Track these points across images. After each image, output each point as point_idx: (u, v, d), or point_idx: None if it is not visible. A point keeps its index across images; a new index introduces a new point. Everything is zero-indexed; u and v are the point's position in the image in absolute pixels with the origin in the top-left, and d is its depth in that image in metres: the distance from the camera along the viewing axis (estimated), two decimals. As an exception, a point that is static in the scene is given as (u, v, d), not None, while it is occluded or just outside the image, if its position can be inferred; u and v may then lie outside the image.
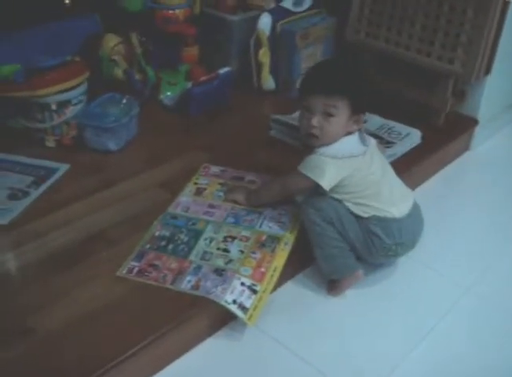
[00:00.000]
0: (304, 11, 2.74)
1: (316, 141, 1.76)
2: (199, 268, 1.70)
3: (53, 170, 2.12)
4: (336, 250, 1.78)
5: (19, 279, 1.73)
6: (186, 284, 1.65)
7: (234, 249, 1.78)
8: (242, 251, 1.78)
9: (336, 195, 1.76)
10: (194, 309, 1.61)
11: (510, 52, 2.47)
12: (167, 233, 1.84)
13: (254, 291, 1.67)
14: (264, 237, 1.84)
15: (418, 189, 2.29)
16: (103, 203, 1.98)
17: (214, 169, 2.16)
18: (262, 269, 1.73)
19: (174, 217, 1.91)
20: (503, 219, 2.24)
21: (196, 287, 1.64)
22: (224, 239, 1.82)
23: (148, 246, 1.78)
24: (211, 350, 1.66)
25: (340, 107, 1.71)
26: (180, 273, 1.68)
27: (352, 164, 1.73)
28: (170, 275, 1.68)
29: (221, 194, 2.02)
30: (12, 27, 2.28)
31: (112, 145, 2.22)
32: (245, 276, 1.69)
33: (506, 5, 2.25)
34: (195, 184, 2.08)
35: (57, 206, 1.95)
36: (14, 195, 1.99)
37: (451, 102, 2.48)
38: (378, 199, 1.76)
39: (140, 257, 1.74)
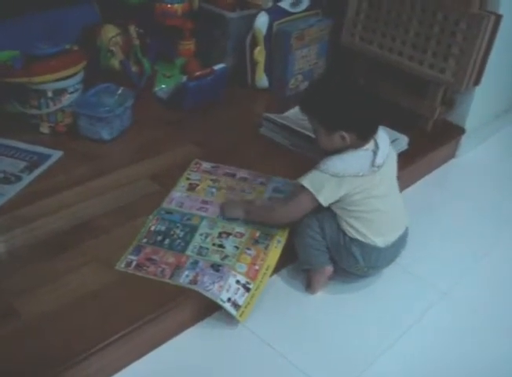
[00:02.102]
0: (301, 12, 2.76)
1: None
2: (195, 262, 1.74)
3: (46, 157, 2.16)
4: (313, 241, 1.82)
5: (7, 263, 1.75)
6: (184, 279, 1.69)
7: (229, 245, 1.82)
8: (237, 247, 1.82)
9: (333, 208, 1.77)
10: (179, 298, 1.66)
11: (499, 64, 2.52)
12: (163, 228, 1.87)
13: (248, 289, 1.72)
14: (257, 234, 1.88)
15: (402, 194, 2.29)
16: (94, 192, 2.01)
17: (206, 165, 2.19)
18: (256, 267, 1.78)
19: (169, 212, 1.94)
20: (484, 226, 2.29)
21: (194, 281, 1.68)
22: (220, 235, 1.85)
23: (144, 240, 1.82)
24: (192, 340, 1.71)
25: (315, 124, 1.79)
26: (177, 268, 1.72)
27: (354, 183, 1.71)
28: (168, 269, 1.71)
29: (214, 190, 2.06)
30: (12, 14, 2.30)
31: (105, 135, 2.25)
32: (240, 274, 1.74)
33: (498, 18, 2.29)
34: (188, 179, 2.11)
35: (49, 193, 1.98)
36: (7, 179, 2.03)
37: (440, 110, 2.53)
38: (370, 227, 1.78)
39: (137, 251, 1.77)
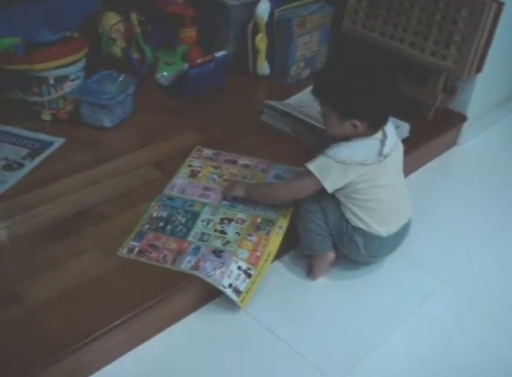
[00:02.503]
0: (302, -1, 2.76)
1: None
2: (197, 248, 1.75)
3: (48, 144, 2.16)
4: (315, 227, 1.83)
5: (9, 248, 1.77)
6: (186, 264, 1.70)
7: (230, 231, 1.83)
8: (238, 233, 1.82)
9: (337, 195, 1.77)
10: (180, 284, 1.67)
11: (501, 51, 2.51)
12: (165, 214, 1.87)
13: (249, 275, 1.73)
14: (259, 220, 1.88)
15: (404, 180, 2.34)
16: (95, 179, 2.02)
17: (207, 152, 2.20)
18: (257, 253, 1.79)
19: (171, 198, 1.95)
20: (486, 212, 2.29)
21: (196, 267, 1.69)
22: (221, 222, 1.86)
23: (146, 226, 1.82)
24: (193, 326, 1.72)
25: (327, 110, 1.75)
26: (179, 253, 1.73)
27: (360, 171, 1.71)
28: (169, 255, 1.72)
29: (215, 177, 2.06)
30: (13, 1, 2.30)
31: (107, 122, 2.26)
32: (242, 260, 1.75)
33: (500, 6, 2.29)
34: (189, 166, 2.11)
35: (51, 180, 1.99)
36: (9, 166, 2.04)
37: (442, 97, 2.53)
38: (373, 216, 1.78)
39: (139, 237, 1.78)
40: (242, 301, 1.69)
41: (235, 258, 1.74)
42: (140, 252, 1.73)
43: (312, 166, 1.73)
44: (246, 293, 1.71)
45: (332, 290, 1.88)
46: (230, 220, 1.87)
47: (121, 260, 1.71)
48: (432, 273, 1.98)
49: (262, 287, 1.77)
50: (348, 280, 1.92)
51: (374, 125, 1.72)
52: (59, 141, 2.18)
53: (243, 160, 2.17)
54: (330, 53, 2.88)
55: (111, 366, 1.59)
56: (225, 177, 2.06)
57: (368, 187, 1.74)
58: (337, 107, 1.71)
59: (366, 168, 1.71)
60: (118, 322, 1.53)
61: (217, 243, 1.78)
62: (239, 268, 1.73)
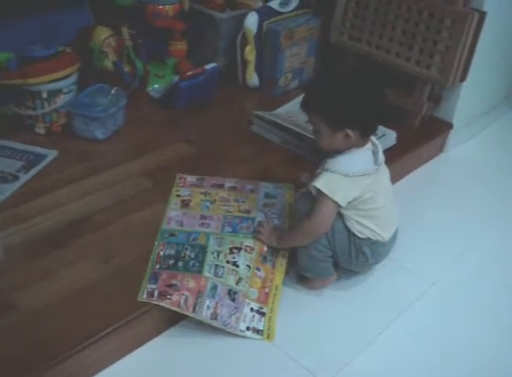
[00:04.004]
0: (290, 11, 2.81)
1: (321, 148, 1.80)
2: (215, 288, 1.73)
3: (42, 156, 2.20)
4: (318, 254, 1.84)
5: (5, 258, 1.79)
6: (206, 312, 1.68)
7: (241, 263, 1.82)
8: (249, 266, 1.82)
9: (344, 211, 1.78)
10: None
11: (485, 61, 2.57)
12: (172, 251, 1.82)
13: (263, 314, 1.77)
14: (265, 248, 1.89)
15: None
16: (89, 189, 2.06)
17: (190, 179, 2.17)
18: (266, 290, 1.82)
19: (172, 234, 1.89)
20: (472, 218, 2.34)
21: (214, 316, 1.68)
22: (231, 251, 1.84)
23: (157, 266, 1.77)
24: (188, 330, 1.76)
25: (318, 123, 1.73)
26: (199, 296, 1.70)
27: (364, 182, 1.72)
28: (190, 297, 1.68)
29: (208, 204, 2.04)
30: (6, 16, 2.35)
31: (100, 134, 2.30)
32: (253, 300, 1.77)
33: (482, 15, 2.35)
34: (178, 196, 2.08)
35: (45, 191, 2.03)
36: (4, 179, 2.08)
37: (427, 106, 2.58)
38: (378, 222, 1.82)
39: (154, 279, 1.72)
40: (268, 337, 1.74)
41: (247, 300, 1.76)
42: (161, 295, 1.67)
43: (319, 184, 1.71)
44: (268, 329, 1.75)
45: (323, 297, 1.93)
46: (239, 249, 1.85)
47: (114, 269, 1.75)
48: (421, 277, 2.02)
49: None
50: (339, 287, 1.96)
51: (366, 132, 1.73)
52: (53, 154, 2.22)
53: (229, 182, 2.16)
54: (316, 66, 2.93)
55: (109, 369, 1.63)
56: (218, 203, 2.05)
57: (373, 196, 1.77)
58: (328, 117, 1.70)
59: (368, 178, 1.73)
60: (113, 327, 1.57)
61: (231, 281, 1.77)
62: (252, 309, 1.75)
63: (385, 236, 1.85)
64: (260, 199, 2.09)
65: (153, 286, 1.69)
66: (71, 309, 1.62)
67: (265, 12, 2.72)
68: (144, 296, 1.66)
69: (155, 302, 1.65)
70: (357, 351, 1.74)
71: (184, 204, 2.04)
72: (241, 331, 1.71)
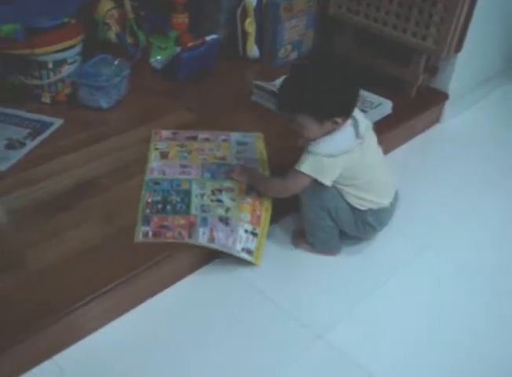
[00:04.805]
0: (289, -16, 2.86)
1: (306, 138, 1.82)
2: (205, 219, 1.85)
3: (48, 124, 2.28)
4: (324, 234, 1.95)
5: (14, 220, 1.88)
6: (202, 237, 1.80)
7: (225, 198, 1.94)
8: (233, 199, 1.94)
9: (338, 186, 1.85)
10: (176, 247, 1.80)
11: (480, 32, 2.62)
12: (159, 198, 1.94)
13: (255, 235, 1.88)
14: (244, 186, 1.99)
15: (387, 156, 2.39)
16: (93, 155, 2.14)
17: (165, 133, 2.29)
18: (257, 213, 1.93)
19: (156, 182, 2.01)
20: (467, 186, 2.41)
21: (212, 239, 1.80)
22: (213, 193, 1.96)
23: (148, 211, 1.89)
24: (192, 286, 1.86)
25: (303, 119, 1.74)
26: (191, 227, 1.83)
27: (347, 159, 1.76)
28: (183, 231, 1.81)
29: (186, 154, 2.16)
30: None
31: (104, 103, 2.38)
32: (247, 223, 1.88)
33: (477, -12, 2.40)
34: (156, 149, 2.18)
35: (51, 157, 2.11)
36: (11, 145, 2.15)
37: (424, 76, 2.65)
38: (374, 191, 1.88)
39: (147, 221, 1.84)
40: (256, 259, 1.85)
41: (241, 223, 1.86)
42: (155, 235, 1.80)
43: (303, 167, 1.77)
44: (258, 251, 1.86)
45: (319, 258, 2.01)
46: (220, 190, 1.97)
47: (119, 227, 1.83)
48: (414, 242, 2.10)
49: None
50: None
51: (349, 114, 1.77)
52: (58, 122, 2.29)
53: (202, 135, 2.29)
54: (315, 39, 3.00)
55: (114, 323, 1.72)
56: (194, 153, 2.16)
57: (360, 168, 1.82)
58: (315, 112, 1.72)
59: (351, 154, 1.77)
60: (115, 283, 1.66)
61: (220, 211, 1.88)
62: (246, 231, 1.86)
63: (385, 201, 1.92)
64: (233, 147, 2.23)
65: (147, 228, 1.82)
66: (78, 267, 1.70)
67: (265, -15, 2.77)
68: (140, 237, 1.80)
69: (151, 241, 1.78)
70: (350, 309, 1.83)
71: (164, 156, 2.15)
72: (238, 252, 1.82)
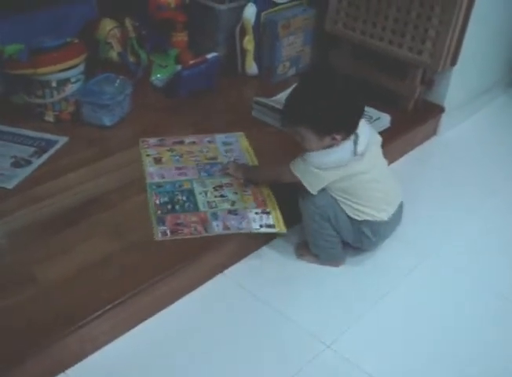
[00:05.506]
0: (286, 2, 2.91)
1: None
2: (215, 214, 1.97)
3: (53, 142, 2.31)
4: (326, 243, 1.97)
5: (24, 236, 1.90)
6: (217, 228, 1.91)
7: (228, 193, 2.06)
8: (236, 193, 2.07)
9: (334, 195, 1.89)
10: (187, 260, 1.84)
11: (475, 45, 2.67)
12: (166, 199, 2.03)
13: (268, 212, 1.99)
14: (241, 181, 2.12)
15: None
16: (99, 172, 2.17)
17: (152, 141, 2.37)
18: (260, 198, 2.05)
19: (159, 185, 2.10)
20: (464, 197, 2.44)
21: (226, 227, 1.91)
22: (215, 189, 2.08)
23: (159, 212, 1.97)
24: (198, 300, 1.89)
25: (304, 132, 1.80)
26: (204, 222, 1.93)
27: (338, 172, 1.81)
28: (198, 226, 1.92)
29: (178, 158, 2.26)
30: (18, 11, 2.45)
31: (107, 121, 2.41)
32: (254, 208, 2.00)
33: (471, 1, 2.44)
34: (148, 155, 2.27)
35: (57, 174, 2.14)
36: (17, 163, 2.18)
37: (420, 90, 2.69)
38: (371, 205, 1.91)
39: (161, 221, 1.93)
40: (279, 228, 1.94)
41: (248, 210, 1.97)
42: (173, 232, 1.89)
43: (294, 167, 1.87)
44: (278, 222, 1.95)
45: (321, 269, 2.04)
46: (221, 186, 2.10)
47: (126, 241, 1.86)
48: (418, 248, 2.15)
49: (255, 267, 1.97)
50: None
51: (351, 132, 1.82)
52: (63, 140, 2.32)
53: (188, 139, 2.39)
54: (312, 54, 3.05)
55: (124, 336, 1.74)
56: (186, 156, 2.26)
57: (357, 182, 1.86)
58: (315, 127, 1.77)
59: (343, 169, 1.81)
60: (126, 297, 1.68)
61: (227, 205, 2.00)
62: (256, 213, 1.98)
63: (383, 216, 1.94)
64: (220, 147, 2.35)
65: (163, 227, 1.91)
66: (89, 279, 1.72)
67: (263, 3, 2.82)
68: (160, 236, 1.88)
69: (171, 238, 1.87)
70: (356, 318, 1.86)
71: (157, 161, 2.24)
72: (256, 229, 1.92)
